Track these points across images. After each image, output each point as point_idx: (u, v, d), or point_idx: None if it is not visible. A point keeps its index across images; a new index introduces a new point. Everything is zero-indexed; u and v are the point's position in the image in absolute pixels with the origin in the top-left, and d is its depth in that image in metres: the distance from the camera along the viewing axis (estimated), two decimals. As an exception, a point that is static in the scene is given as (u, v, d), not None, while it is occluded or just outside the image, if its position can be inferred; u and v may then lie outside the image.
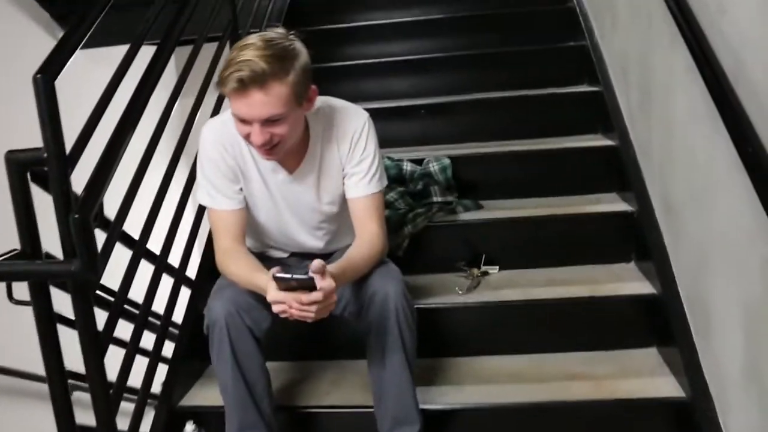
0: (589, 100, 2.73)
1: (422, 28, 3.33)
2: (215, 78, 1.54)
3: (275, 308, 1.45)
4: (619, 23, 2.42)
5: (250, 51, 1.44)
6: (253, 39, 1.49)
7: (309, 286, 1.40)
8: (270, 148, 1.53)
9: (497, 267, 2.24)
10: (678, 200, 1.86)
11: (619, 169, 2.39)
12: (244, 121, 1.50)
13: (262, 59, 1.43)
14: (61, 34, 2.06)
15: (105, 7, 1.53)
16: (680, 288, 1.85)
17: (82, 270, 1.40)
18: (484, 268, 2.23)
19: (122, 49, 1.72)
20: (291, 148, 1.63)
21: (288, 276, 1.40)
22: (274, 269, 1.43)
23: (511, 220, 2.33)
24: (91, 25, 1.47)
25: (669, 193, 1.93)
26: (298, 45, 1.53)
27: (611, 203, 2.36)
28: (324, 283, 1.41)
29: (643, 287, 2.06)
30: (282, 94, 1.46)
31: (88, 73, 2.23)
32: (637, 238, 2.20)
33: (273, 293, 1.43)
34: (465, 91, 2.97)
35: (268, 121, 1.48)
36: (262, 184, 1.71)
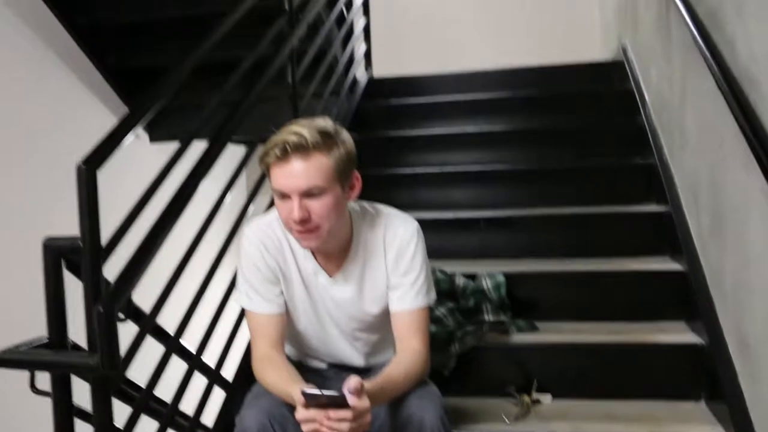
0: (656, 220, 2.61)
1: (487, 139, 3.31)
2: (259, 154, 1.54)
3: (305, 428, 1.35)
4: (688, 142, 2.33)
5: (296, 126, 1.46)
6: (299, 120, 1.51)
7: (340, 403, 1.31)
8: (308, 231, 1.48)
9: (550, 395, 2.09)
10: (755, 336, 1.70)
11: (687, 297, 2.24)
12: (284, 195, 1.47)
13: (308, 132, 1.44)
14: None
15: (155, 103, 1.55)
16: (758, 437, 1.65)
17: (101, 365, 1.36)
18: (535, 395, 2.08)
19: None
20: (333, 248, 1.59)
21: (317, 392, 1.32)
22: (302, 386, 1.36)
23: (567, 345, 2.18)
24: (137, 120, 1.50)
25: (744, 327, 1.77)
26: (345, 133, 1.53)
27: (679, 333, 2.19)
28: (358, 402, 1.32)
29: (714, 432, 1.86)
30: (323, 166, 1.45)
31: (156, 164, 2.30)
32: (707, 374, 2.01)
33: (302, 412, 1.34)
34: (527, 205, 2.91)
35: (308, 195, 1.45)
36: (303, 288, 1.66)
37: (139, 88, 3.46)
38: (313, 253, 1.63)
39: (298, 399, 1.34)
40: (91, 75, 3.25)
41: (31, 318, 1.57)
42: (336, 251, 1.62)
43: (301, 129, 1.45)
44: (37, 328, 1.47)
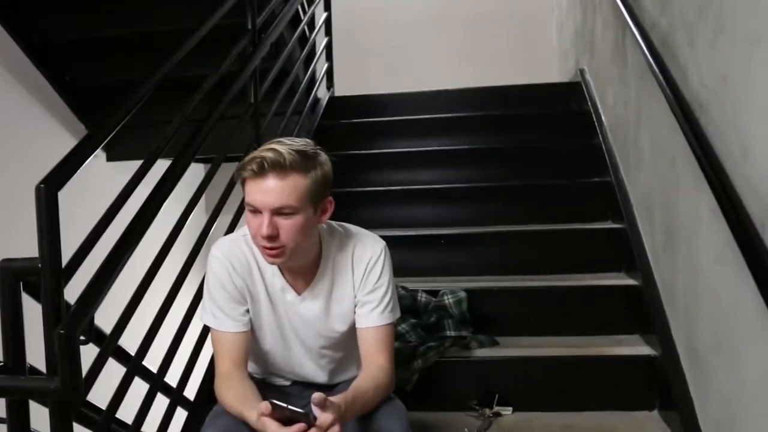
0: (612, 237, 2.68)
1: (447, 157, 3.36)
2: (235, 173, 1.54)
3: None
4: (642, 162, 2.40)
5: (275, 145, 1.47)
6: (281, 139, 1.52)
7: (304, 421, 1.31)
8: (273, 248, 1.49)
9: (511, 408, 2.12)
10: (704, 346, 1.75)
11: (642, 311, 2.30)
12: (255, 210, 1.47)
13: (287, 152, 1.45)
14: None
15: (119, 122, 1.55)
16: (707, 445, 1.70)
17: (62, 389, 1.33)
18: (496, 408, 2.10)
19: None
20: (300, 266, 1.60)
21: (283, 405, 1.31)
22: (268, 401, 1.34)
23: (527, 358, 2.22)
24: (101, 140, 1.49)
25: (694, 338, 1.83)
26: (324, 156, 1.55)
27: (633, 346, 2.25)
28: (323, 417, 1.32)
29: (668, 441, 1.90)
30: (298, 187, 1.46)
31: (118, 184, 2.27)
32: (660, 384, 2.07)
33: (275, 429, 1.32)
34: (487, 222, 2.95)
35: (279, 213, 1.46)
36: (270, 306, 1.66)
37: (96, 107, 3.42)
38: (281, 271, 1.64)
39: (264, 408, 1.33)
40: (46, 93, 3.21)
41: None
42: (304, 269, 1.63)
43: (281, 147, 1.45)
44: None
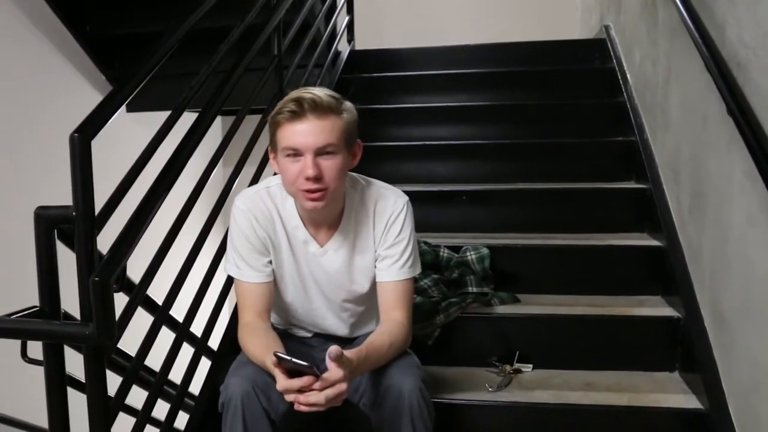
0: (636, 197, 2.66)
1: (468, 113, 3.33)
2: (269, 118, 1.56)
3: (287, 398, 1.37)
4: (670, 122, 2.37)
5: (308, 90, 1.50)
6: (305, 87, 1.55)
7: (308, 373, 1.33)
8: (317, 191, 1.49)
9: (531, 365, 2.13)
10: (731, 311, 1.75)
11: (665, 272, 2.29)
12: (295, 153, 1.48)
13: (323, 93, 1.49)
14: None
15: (149, 73, 1.54)
16: (731, 406, 1.71)
17: (96, 335, 1.36)
18: (516, 365, 2.12)
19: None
20: (326, 216, 1.62)
21: (287, 357, 1.34)
22: (277, 350, 1.37)
23: (548, 317, 2.22)
24: (132, 90, 1.48)
25: (721, 302, 1.82)
26: (349, 103, 1.58)
27: (656, 307, 2.25)
28: (331, 372, 1.34)
29: (688, 401, 1.91)
30: (336, 127, 1.49)
31: (136, 135, 2.26)
32: (682, 346, 2.07)
33: (283, 382, 1.35)
34: (509, 180, 2.93)
35: (321, 153, 1.48)
36: (292, 258, 1.67)
37: (116, 57, 3.40)
38: (304, 223, 1.65)
39: (272, 361, 1.36)
40: (69, 44, 3.19)
41: (17, 289, 1.55)
42: (328, 221, 1.64)
43: (314, 90, 1.49)
44: (25, 299, 1.46)
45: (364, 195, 1.66)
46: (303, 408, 1.34)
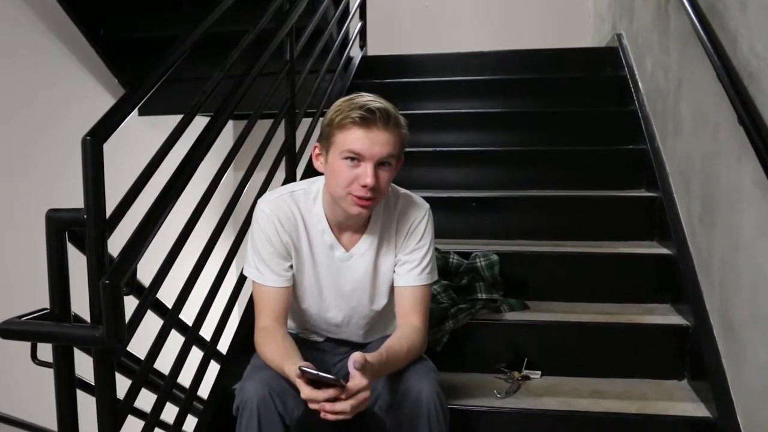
0: (646, 205, 2.65)
1: (479, 120, 3.33)
2: (325, 120, 1.56)
3: (312, 406, 1.38)
4: (681, 130, 2.36)
5: (370, 97, 1.51)
6: (361, 93, 1.55)
7: (335, 385, 1.34)
8: (369, 199, 1.51)
9: (539, 372, 2.13)
10: (740, 319, 1.74)
11: (674, 280, 2.28)
12: (357, 159, 1.49)
13: (390, 106, 1.50)
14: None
15: (162, 77, 1.55)
16: (739, 415, 1.71)
17: (106, 337, 1.36)
18: (525, 372, 2.11)
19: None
20: (356, 222, 1.64)
21: (314, 372, 1.34)
22: (302, 363, 1.38)
23: (557, 324, 2.21)
24: (145, 94, 1.49)
25: (730, 310, 1.81)
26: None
27: (665, 315, 2.24)
28: (355, 381, 1.35)
29: (697, 409, 1.90)
30: (399, 141, 1.52)
31: (147, 138, 2.28)
32: (691, 355, 2.06)
33: (307, 392, 1.36)
34: (519, 187, 2.93)
35: (381, 163, 1.50)
36: (312, 263, 1.68)
37: (128, 61, 3.43)
38: (331, 227, 1.65)
39: (296, 373, 1.36)
40: (83, 48, 3.22)
41: (28, 291, 1.56)
42: (356, 225, 1.65)
43: (381, 100, 1.49)
44: (35, 301, 1.47)
45: (389, 200, 1.68)
46: (330, 417, 1.35)
